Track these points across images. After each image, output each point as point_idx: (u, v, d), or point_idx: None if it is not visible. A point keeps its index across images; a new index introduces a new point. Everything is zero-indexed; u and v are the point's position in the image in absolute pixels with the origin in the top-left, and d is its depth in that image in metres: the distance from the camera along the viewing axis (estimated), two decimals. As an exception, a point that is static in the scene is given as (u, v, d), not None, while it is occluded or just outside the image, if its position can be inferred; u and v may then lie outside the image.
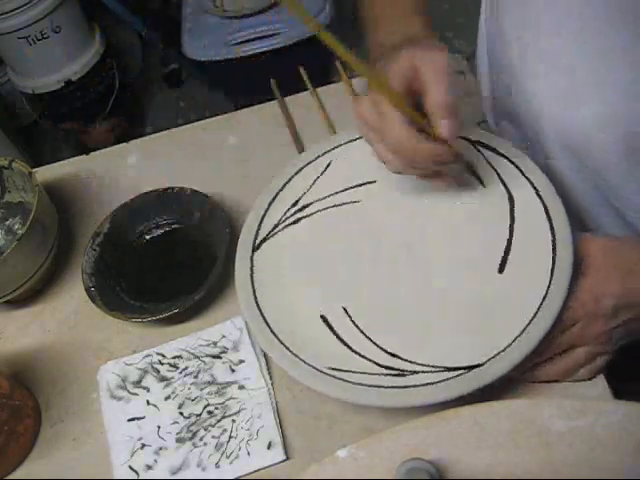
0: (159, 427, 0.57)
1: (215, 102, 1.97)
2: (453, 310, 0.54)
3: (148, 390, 0.59)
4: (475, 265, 0.56)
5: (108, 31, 1.82)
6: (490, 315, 0.53)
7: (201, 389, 0.58)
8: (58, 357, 0.64)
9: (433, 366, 0.51)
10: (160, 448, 0.56)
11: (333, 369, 0.51)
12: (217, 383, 0.59)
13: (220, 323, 0.62)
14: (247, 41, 1.65)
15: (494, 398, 0.45)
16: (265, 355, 0.59)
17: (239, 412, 0.56)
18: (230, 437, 0.55)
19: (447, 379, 0.49)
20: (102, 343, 0.64)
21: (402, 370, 0.51)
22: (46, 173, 0.80)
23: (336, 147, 0.65)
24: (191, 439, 0.56)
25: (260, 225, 0.62)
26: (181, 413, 0.57)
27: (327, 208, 0.63)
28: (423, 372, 0.51)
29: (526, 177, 0.58)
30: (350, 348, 0.54)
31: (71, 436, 0.59)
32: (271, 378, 0.58)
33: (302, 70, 0.83)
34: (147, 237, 0.70)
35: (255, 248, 0.60)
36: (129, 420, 0.58)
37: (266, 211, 0.63)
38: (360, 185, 0.64)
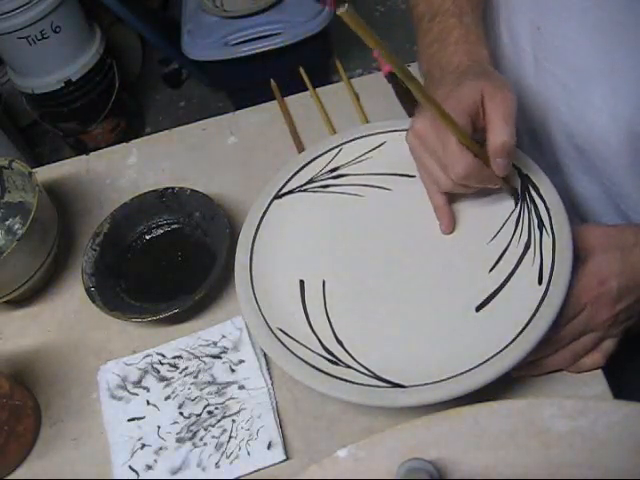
0: (159, 427, 0.57)
1: (215, 102, 1.97)
2: (439, 317, 0.54)
3: (148, 390, 0.59)
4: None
5: (108, 31, 1.82)
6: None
7: (201, 389, 0.58)
8: (58, 357, 0.64)
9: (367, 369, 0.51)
10: (160, 448, 0.56)
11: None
12: (217, 383, 0.59)
13: (220, 323, 0.62)
14: (247, 41, 1.65)
15: (494, 398, 0.45)
16: (265, 355, 0.59)
17: (239, 412, 0.56)
18: (230, 437, 0.55)
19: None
20: (102, 343, 0.64)
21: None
22: (46, 173, 0.80)
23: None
24: (191, 439, 0.56)
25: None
26: (181, 413, 0.57)
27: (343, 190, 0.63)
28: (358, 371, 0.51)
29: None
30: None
31: (71, 436, 0.59)
32: (271, 378, 0.58)
33: (302, 70, 0.84)
34: (147, 237, 0.70)
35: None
36: (129, 420, 0.58)
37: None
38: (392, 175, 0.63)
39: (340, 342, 0.54)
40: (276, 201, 0.63)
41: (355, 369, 0.52)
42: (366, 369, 0.52)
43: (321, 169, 0.65)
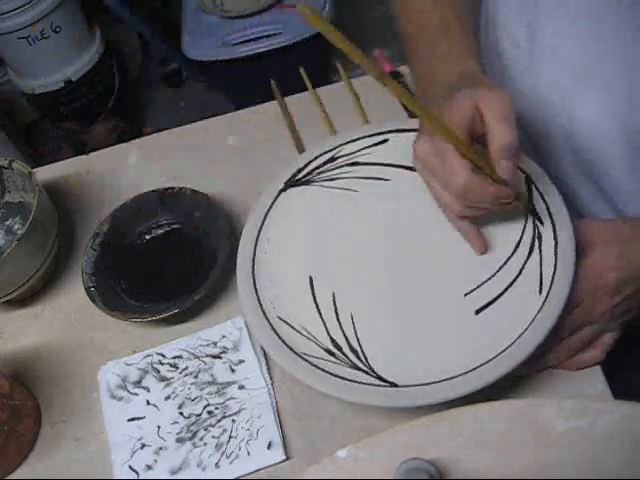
0: (159, 427, 0.57)
1: (215, 102, 1.97)
2: (442, 317, 0.54)
3: (148, 390, 0.59)
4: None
5: (108, 31, 1.82)
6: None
7: (201, 389, 0.59)
8: (58, 357, 0.65)
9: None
10: (160, 448, 0.56)
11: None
12: (217, 383, 0.59)
13: (220, 323, 0.62)
14: (247, 41, 1.64)
15: (494, 398, 0.45)
16: (265, 355, 0.59)
17: (239, 412, 0.56)
18: (230, 437, 0.55)
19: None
20: (102, 343, 0.65)
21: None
22: (46, 173, 0.80)
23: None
24: (191, 439, 0.56)
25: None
26: (181, 413, 0.57)
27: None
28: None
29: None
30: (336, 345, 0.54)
31: (72, 436, 0.59)
32: (271, 378, 0.58)
33: (302, 70, 0.84)
34: (147, 237, 0.70)
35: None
36: (129, 420, 0.58)
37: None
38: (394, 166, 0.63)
39: (347, 340, 0.54)
40: (282, 194, 0.63)
41: (359, 368, 0.52)
42: (369, 368, 0.52)
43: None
